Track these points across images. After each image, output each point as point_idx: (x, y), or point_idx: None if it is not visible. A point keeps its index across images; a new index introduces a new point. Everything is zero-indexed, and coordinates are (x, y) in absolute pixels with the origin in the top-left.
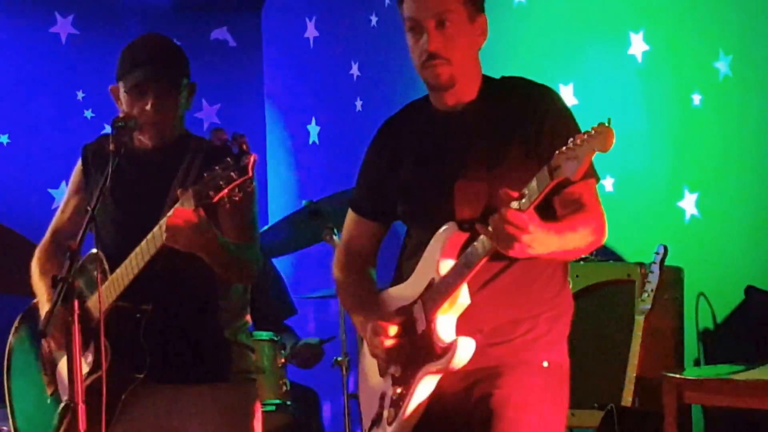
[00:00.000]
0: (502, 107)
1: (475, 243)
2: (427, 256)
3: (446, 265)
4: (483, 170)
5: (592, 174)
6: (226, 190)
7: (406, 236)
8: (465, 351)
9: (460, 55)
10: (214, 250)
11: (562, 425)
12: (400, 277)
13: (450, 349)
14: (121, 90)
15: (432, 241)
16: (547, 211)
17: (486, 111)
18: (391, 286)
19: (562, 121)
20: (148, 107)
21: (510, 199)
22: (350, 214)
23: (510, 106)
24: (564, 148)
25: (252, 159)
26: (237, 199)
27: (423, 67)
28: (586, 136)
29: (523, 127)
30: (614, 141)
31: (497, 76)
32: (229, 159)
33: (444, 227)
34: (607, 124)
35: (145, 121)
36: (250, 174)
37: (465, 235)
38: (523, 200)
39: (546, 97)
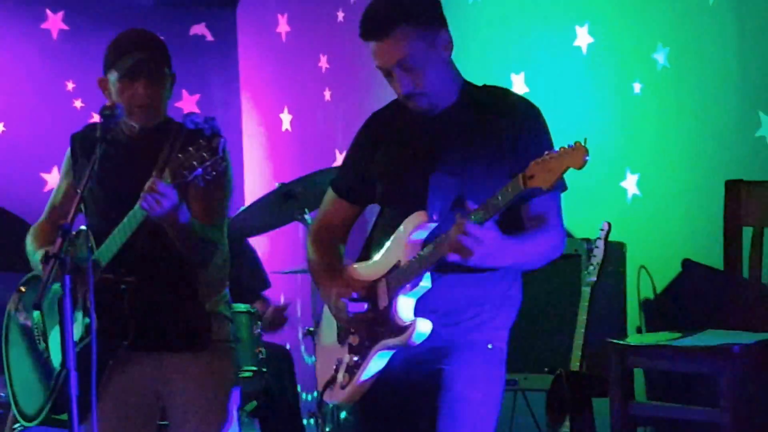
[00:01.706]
0: (482, 113)
1: (443, 236)
2: (395, 238)
3: (412, 251)
4: (457, 167)
5: (561, 186)
6: (199, 170)
7: (379, 215)
8: (421, 331)
9: (432, 83)
10: (180, 225)
11: (499, 400)
12: (368, 251)
13: (408, 328)
14: (111, 78)
15: (402, 226)
16: (511, 217)
17: (465, 114)
18: (359, 260)
19: (539, 135)
20: (141, 90)
21: (469, 211)
22: (330, 193)
23: (490, 113)
24: (540, 159)
25: (222, 140)
26: (210, 178)
27: (403, 100)
28: (562, 151)
29: (500, 134)
30: (588, 159)
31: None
32: (201, 141)
33: (414, 215)
34: (582, 144)
35: (137, 105)
36: (220, 154)
37: (433, 225)
38: (482, 212)
39: (527, 111)
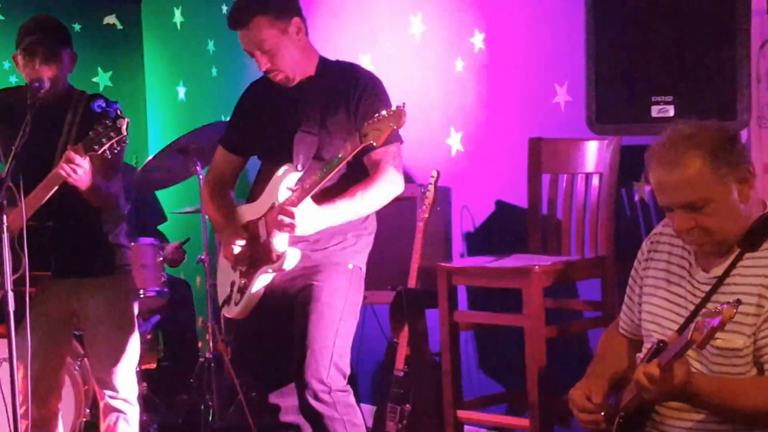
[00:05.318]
0: (334, 83)
1: (305, 180)
2: (271, 185)
3: (283, 195)
4: (316, 127)
5: (395, 139)
6: (107, 145)
7: (260, 168)
8: (292, 259)
9: (286, 62)
10: (89, 185)
11: (358, 310)
12: (253, 196)
13: (282, 257)
14: (18, 55)
15: (275, 176)
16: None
17: (321, 84)
18: (247, 202)
19: (377, 100)
20: (37, 66)
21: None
22: (220, 149)
23: (340, 83)
24: (371, 120)
25: (126, 122)
26: (116, 151)
27: (265, 74)
28: (386, 113)
29: (347, 100)
30: (406, 120)
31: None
32: (107, 122)
33: (284, 167)
34: (402, 107)
35: (36, 78)
36: (125, 133)
37: (299, 174)
38: (297, 194)
39: (369, 81)
